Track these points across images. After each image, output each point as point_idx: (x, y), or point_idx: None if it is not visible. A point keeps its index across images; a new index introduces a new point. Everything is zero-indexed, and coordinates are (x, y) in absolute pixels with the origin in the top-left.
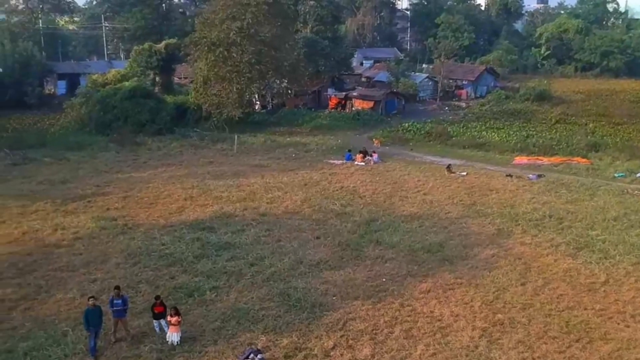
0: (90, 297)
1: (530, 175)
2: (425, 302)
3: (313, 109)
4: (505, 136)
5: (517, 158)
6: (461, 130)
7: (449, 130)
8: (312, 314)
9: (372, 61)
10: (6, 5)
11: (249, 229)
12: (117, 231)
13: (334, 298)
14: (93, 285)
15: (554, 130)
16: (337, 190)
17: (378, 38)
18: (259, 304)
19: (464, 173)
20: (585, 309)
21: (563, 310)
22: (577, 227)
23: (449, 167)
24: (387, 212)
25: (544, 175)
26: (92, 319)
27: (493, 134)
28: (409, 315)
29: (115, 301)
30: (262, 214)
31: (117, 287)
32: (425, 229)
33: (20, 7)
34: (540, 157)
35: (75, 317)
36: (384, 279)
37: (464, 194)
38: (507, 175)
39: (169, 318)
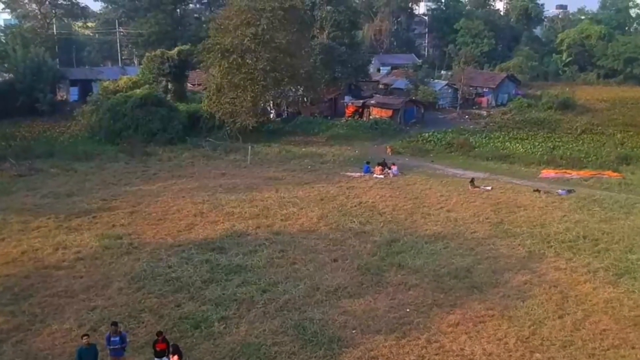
0: (84, 335)
1: (560, 191)
2: (454, 337)
3: (329, 118)
4: (530, 147)
5: (544, 171)
6: (483, 141)
7: (470, 140)
8: (329, 350)
9: (389, 67)
10: (19, 10)
11: (261, 250)
12: (121, 251)
13: (354, 332)
14: (92, 315)
15: (581, 141)
16: (355, 206)
17: (395, 44)
18: (271, 338)
19: (489, 187)
20: (633, 347)
21: (608, 349)
22: (614, 249)
23: (472, 181)
24: (409, 231)
25: (574, 191)
26: (86, 359)
27: (517, 144)
28: (436, 354)
29: (112, 339)
30: (276, 233)
31: (115, 324)
32: (451, 251)
33: (34, 12)
34: (568, 171)
35: (71, 352)
36: (407, 309)
37: (490, 211)
38: (534, 190)
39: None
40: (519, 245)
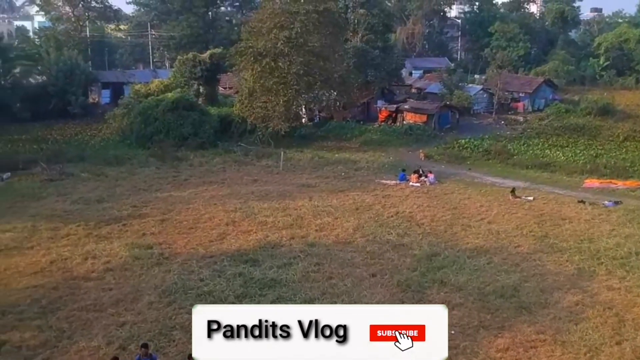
0: (114, 359)
1: (606, 202)
2: None
3: (362, 122)
4: (572, 155)
5: (587, 181)
6: (522, 148)
7: (508, 147)
8: None
9: (421, 71)
10: (53, 13)
11: (296, 263)
12: (152, 262)
13: None
14: (121, 331)
15: (624, 149)
16: (392, 216)
17: (427, 47)
18: None
19: (530, 198)
20: None
21: None
22: None
23: (513, 190)
24: (450, 244)
25: (621, 202)
26: None
27: (557, 152)
28: None
29: None
30: (311, 244)
31: (145, 345)
32: (495, 267)
33: (68, 14)
34: (613, 180)
35: None
36: (452, 331)
37: (534, 224)
38: (579, 201)
39: None
40: (567, 261)
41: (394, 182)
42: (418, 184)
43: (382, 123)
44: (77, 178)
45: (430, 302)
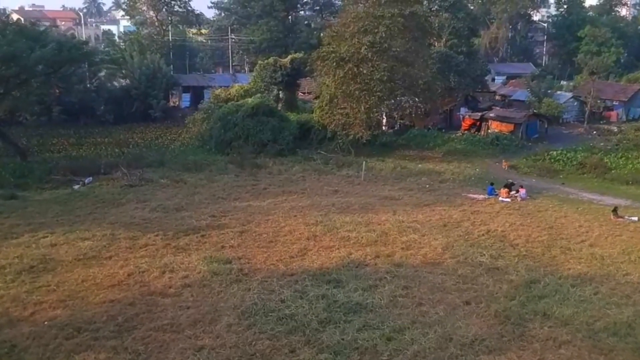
0: None
1: None
2: None
3: (443, 130)
4: None
5: None
6: (620, 162)
7: (605, 160)
8: None
9: (504, 77)
10: (137, 17)
11: (382, 285)
12: (231, 278)
13: None
14: (198, 357)
15: None
16: (482, 234)
17: (509, 52)
18: None
19: (635, 218)
20: None
21: None
22: None
23: (615, 209)
24: (549, 269)
25: None
26: None
27: None
28: None
29: None
30: (397, 265)
31: None
32: (603, 299)
33: (152, 19)
34: None
35: None
36: None
37: None
38: None
39: None
40: None
41: (482, 196)
42: (508, 200)
43: (465, 132)
44: (156, 184)
45: (532, 337)
